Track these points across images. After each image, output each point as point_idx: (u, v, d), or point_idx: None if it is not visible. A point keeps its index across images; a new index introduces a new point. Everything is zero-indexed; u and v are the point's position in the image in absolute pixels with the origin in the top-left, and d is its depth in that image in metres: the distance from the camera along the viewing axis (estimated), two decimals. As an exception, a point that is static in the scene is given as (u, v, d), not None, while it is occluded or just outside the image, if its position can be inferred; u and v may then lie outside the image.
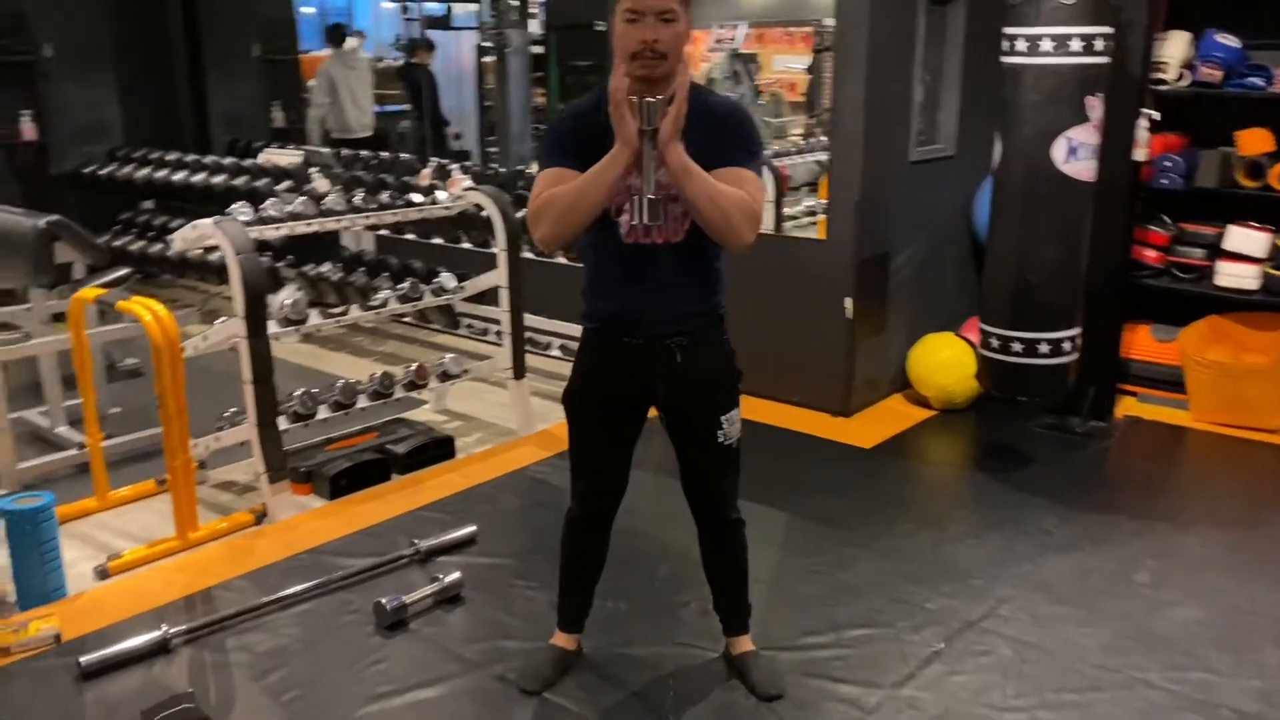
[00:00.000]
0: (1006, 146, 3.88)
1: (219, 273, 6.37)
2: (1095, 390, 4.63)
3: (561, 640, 2.86)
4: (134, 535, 3.73)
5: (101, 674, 2.82)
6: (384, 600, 3.07)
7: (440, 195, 4.56)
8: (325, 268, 5.89)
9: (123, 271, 5.41)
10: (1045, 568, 3.41)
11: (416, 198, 4.45)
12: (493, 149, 10.20)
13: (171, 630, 2.95)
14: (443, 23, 10.87)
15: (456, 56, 11.05)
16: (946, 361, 4.76)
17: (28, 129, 7.09)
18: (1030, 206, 3.85)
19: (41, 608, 3.15)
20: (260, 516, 3.82)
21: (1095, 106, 3.79)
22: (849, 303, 4.65)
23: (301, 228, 4.01)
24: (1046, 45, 3.70)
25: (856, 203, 4.55)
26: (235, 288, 3.64)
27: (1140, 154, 4.47)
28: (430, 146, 9.83)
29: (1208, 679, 2.81)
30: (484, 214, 4.50)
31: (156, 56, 7.72)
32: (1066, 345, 3.97)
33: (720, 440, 2.58)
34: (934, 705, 2.70)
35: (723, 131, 2.39)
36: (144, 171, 6.95)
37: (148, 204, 7.15)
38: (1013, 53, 3.81)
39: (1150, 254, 4.82)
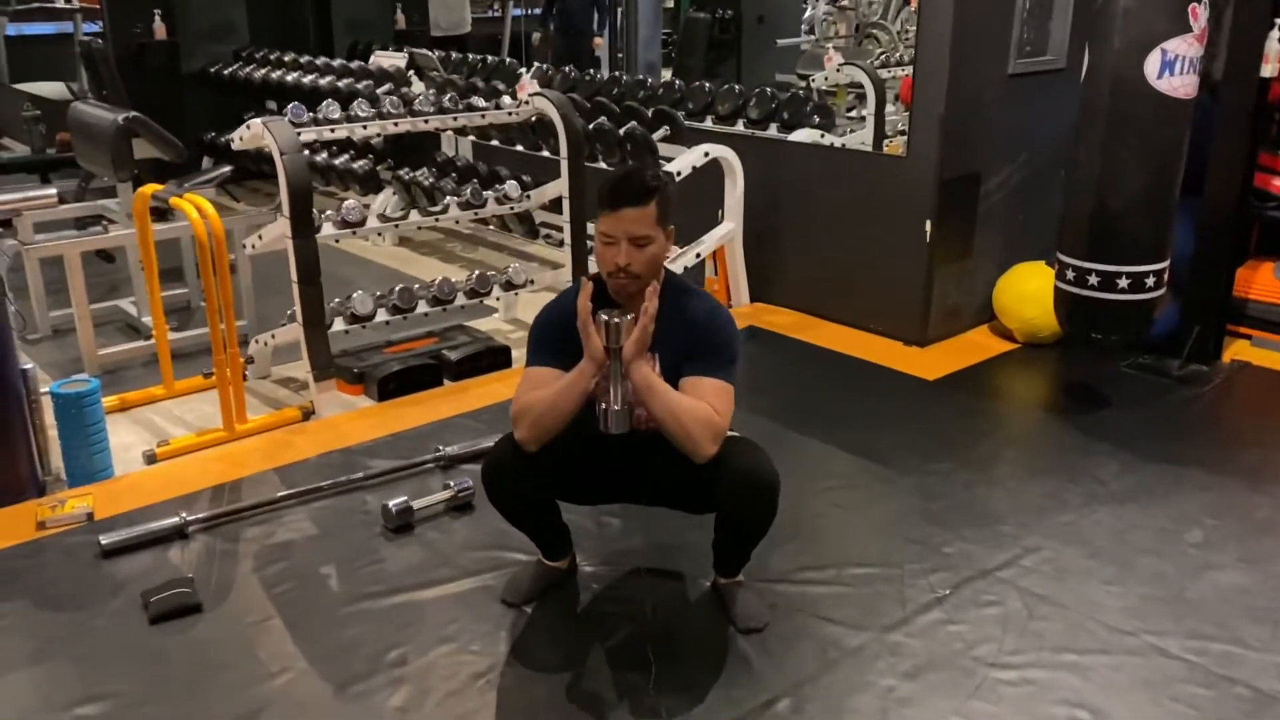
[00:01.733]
0: (1092, 60, 3.53)
1: (322, 172, 6.54)
2: (1199, 330, 4.25)
3: (547, 560, 2.85)
4: (190, 424, 3.91)
5: (119, 553, 2.97)
6: (391, 503, 3.12)
7: (505, 101, 4.49)
8: (420, 172, 5.95)
9: (224, 169, 5.61)
10: (1087, 519, 3.18)
11: (478, 101, 4.39)
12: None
13: (190, 517, 3.09)
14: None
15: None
16: (1033, 292, 4.44)
17: (159, 28, 7.36)
18: (1115, 126, 3.50)
19: (83, 487, 3.34)
20: (308, 414, 3.93)
21: (1198, 14, 3.38)
22: (928, 225, 4.39)
23: (344, 130, 4.02)
24: (1143, -58, 3.31)
25: (940, 117, 4.25)
26: (281, 187, 3.70)
27: (1270, 70, 4.00)
28: (557, 54, 9.74)
29: (1232, 651, 2.56)
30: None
31: (282, -43, 7.87)
32: (1150, 280, 3.63)
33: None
34: (918, 653, 2.56)
35: (697, 340, 2.44)
36: (262, 72, 7.14)
37: (271, 104, 7.36)
38: (1107, -47, 3.43)
39: (1278, 183, 4.34)
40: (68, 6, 9.45)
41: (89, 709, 2.38)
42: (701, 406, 2.35)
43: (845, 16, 9.35)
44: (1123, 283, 3.61)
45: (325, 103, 4.42)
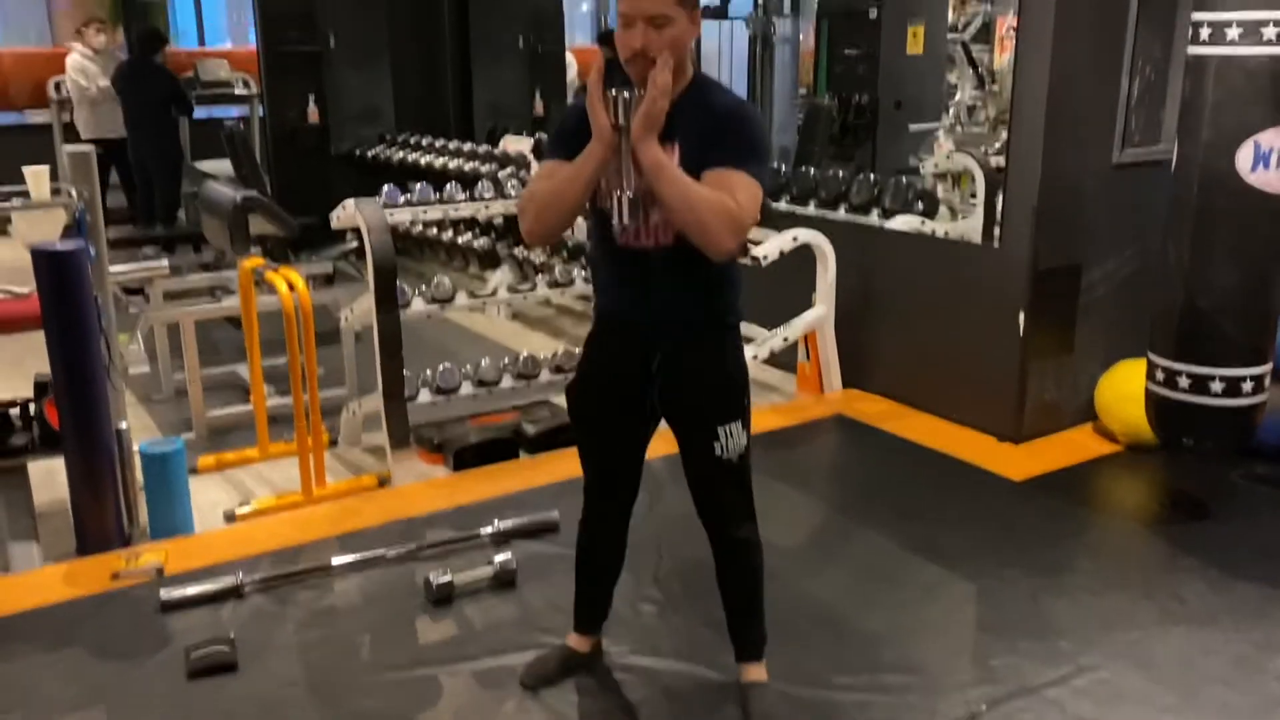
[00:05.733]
0: (1181, 152, 3.36)
1: (447, 249, 6.83)
2: (1325, 440, 3.92)
3: (574, 640, 2.83)
4: (276, 486, 4.10)
5: (177, 608, 3.12)
6: (432, 576, 3.18)
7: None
8: (534, 251, 6.15)
9: (349, 245, 5.93)
10: (1157, 640, 2.95)
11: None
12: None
13: (246, 578, 3.22)
14: (719, 12, 10.90)
15: (730, 46, 11.06)
16: (1136, 392, 4.18)
17: (312, 112, 7.91)
18: (1204, 222, 3.32)
19: (161, 541, 3.54)
20: (384, 481, 4.06)
21: (1297, 105, 3.19)
22: (1021, 317, 4.23)
23: (421, 214, 4.20)
24: (1233, 33, 3.15)
25: (1033, 207, 4.11)
26: (368, 264, 3.88)
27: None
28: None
29: (1292, 803, 2.32)
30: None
31: (427, 46, 8.34)
32: (1248, 384, 3.39)
33: (718, 454, 2.44)
34: (935, 773, 2.42)
35: (720, 131, 2.26)
36: (401, 154, 7.55)
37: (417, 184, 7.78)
38: (1197, 41, 3.28)
39: None
40: (247, 92, 10.24)
41: (106, 757, 2.50)
42: (719, 194, 2.17)
43: (995, 100, 9.22)
44: (1216, 386, 3.38)
45: (450, 183, 4.66)
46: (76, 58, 8.34)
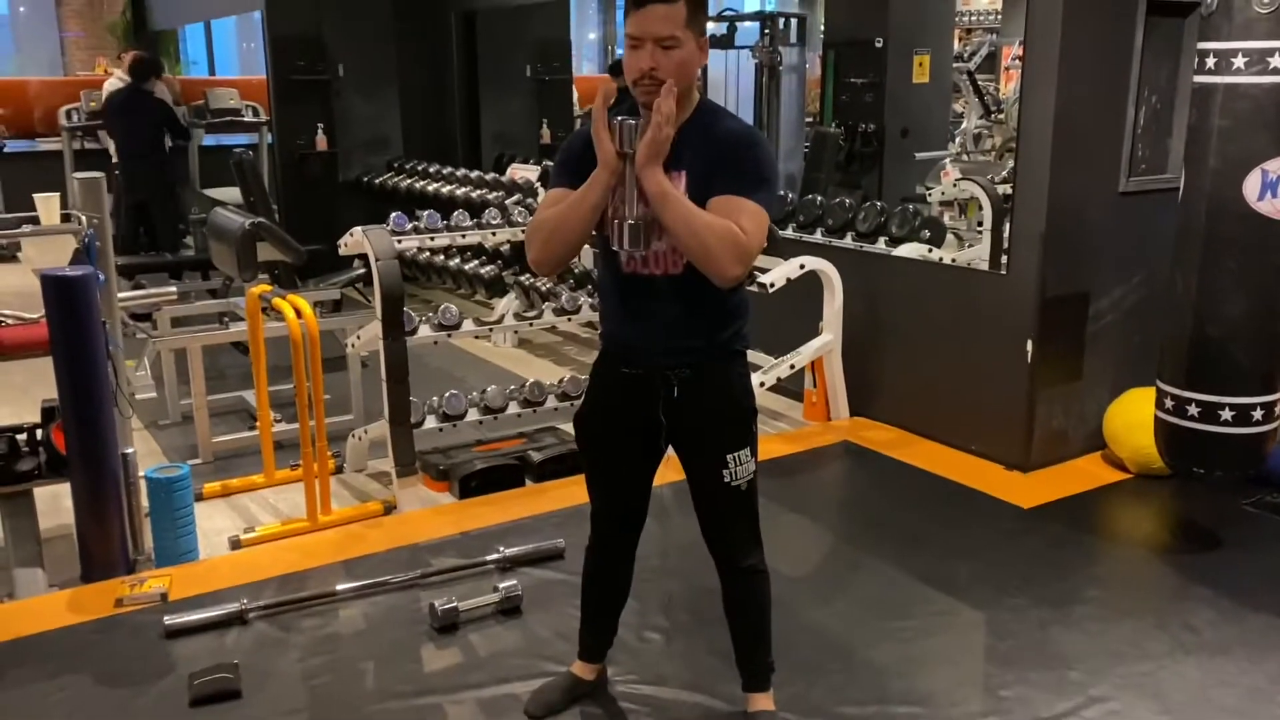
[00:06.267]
0: (1188, 180, 3.36)
1: (454, 276, 6.85)
2: (1338, 469, 3.90)
3: (578, 668, 2.81)
4: (281, 512, 4.09)
5: (181, 635, 3.11)
6: (438, 603, 3.16)
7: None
8: (541, 278, 6.17)
9: (356, 271, 5.95)
10: (1169, 670, 2.92)
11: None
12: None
13: (250, 604, 3.21)
14: (726, 41, 10.96)
15: (737, 76, 11.10)
16: (1146, 420, 4.16)
17: (321, 140, 7.95)
18: (1212, 250, 3.31)
19: (166, 568, 3.52)
20: (389, 508, 4.05)
21: (1305, 133, 3.19)
22: (1029, 345, 4.22)
23: (429, 241, 4.21)
24: (1239, 62, 3.16)
25: (1040, 234, 4.11)
26: (375, 291, 3.89)
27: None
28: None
29: (1308, 837, 2.28)
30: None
31: (435, 75, 8.40)
32: (1258, 413, 3.37)
33: (726, 480, 2.43)
34: (945, 806, 2.39)
35: (727, 158, 2.26)
36: (409, 181, 7.58)
37: (425, 212, 7.81)
38: (1203, 70, 3.29)
39: None
40: (256, 120, 10.32)
41: (108, 786, 2.48)
42: (724, 222, 2.16)
43: (1002, 129, 9.26)
44: (1226, 414, 3.36)
45: (457, 211, 4.67)
46: (115, 82, 8.67)
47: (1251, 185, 3.22)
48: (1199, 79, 3.32)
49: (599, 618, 2.77)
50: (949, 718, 2.71)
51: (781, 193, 6.03)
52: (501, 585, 3.26)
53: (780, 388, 4.95)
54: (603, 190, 2.23)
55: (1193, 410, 3.42)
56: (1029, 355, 4.23)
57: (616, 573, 2.71)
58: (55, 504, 3.81)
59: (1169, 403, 3.50)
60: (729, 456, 2.42)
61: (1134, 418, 4.23)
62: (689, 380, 2.40)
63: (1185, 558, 3.63)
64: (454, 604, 3.16)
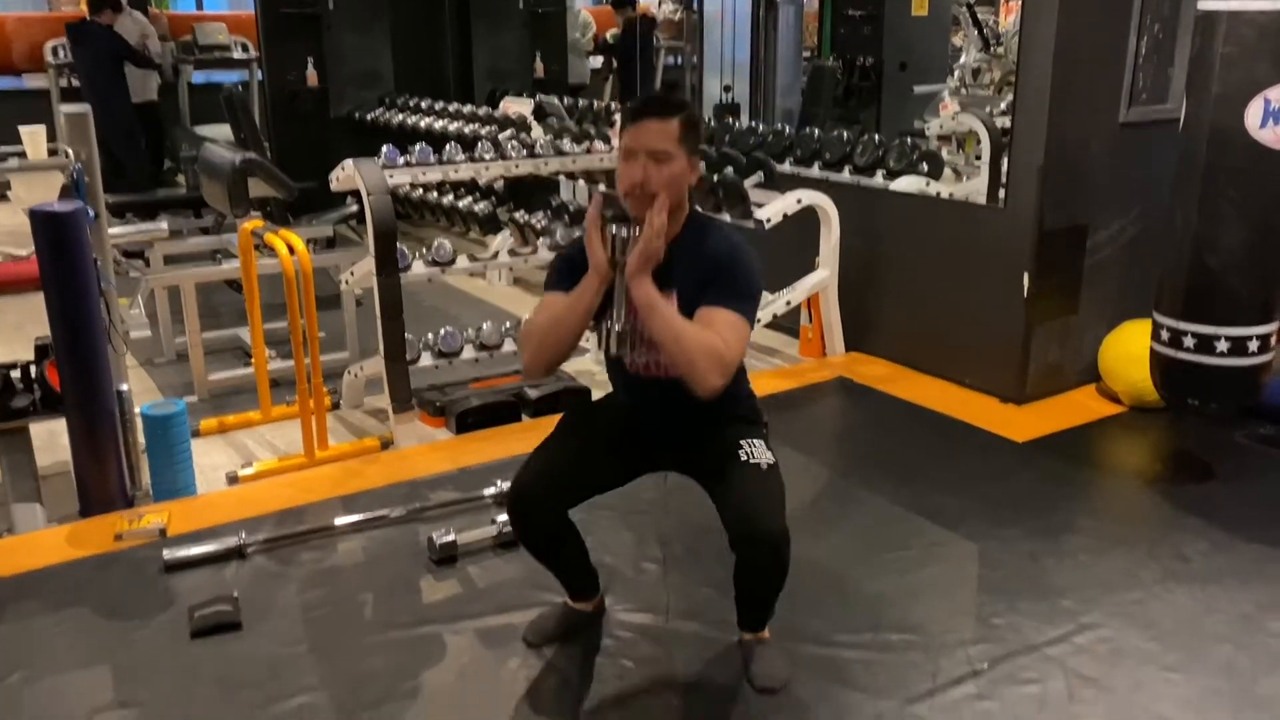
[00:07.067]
0: (1189, 109, 3.32)
1: (448, 213, 6.79)
2: (1330, 401, 3.91)
3: (574, 602, 2.84)
4: (278, 449, 4.10)
5: (180, 569, 3.13)
6: (435, 535, 3.18)
7: (598, 146, 4.57)
8: (536, 215, 6.11)
9: (350, 208, 5.90)
10: (1159, 599, 2.95)
11: (567, 146, 4.48)
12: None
13: (248, 538, 3.23)
14: (722, -28, 10.75)
15: (734, 9, 10.92)
16: (1140, 353, 4.16)
17: (311, 76, 7.84)
18: (1213, 179, 3.28)
19: (164, 503, 3.54)
20: (386, 444, 4.06)
21: (1308, 61, 3.15)
22: (1026, 278, 4.20)
23: (421, 175, 4.16)
24: (1243, -14, 3.11)
25: (1039, 167, 4.07)
26: (368, 226, 3.86)
27: None
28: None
29: (1294, 758, 2.33)
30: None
31: (427, 8, 8.25)
32: (1254, 344, 3.37)
33: (744, 459, 2.42)
34: (937, 729, 2.43)
35: (713, 272, 2.35)
36: (401, 117, 7.49)
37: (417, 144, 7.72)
38: (1206, -4, 3.24)
39: None
40: (245, 56, 10.16)
41: (109, 715, 2.50)
42: (707, 334, 2.24)
43: (1001, 63, 9.13)
44: (1221, 346, 3.36)
45: (449, 145, 4.61)
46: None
47: (1253, 113, 3.18)
48: (1202, 5, 3.27)
49: (564, 574, 2.76)
50: (942, 645, 2.74)
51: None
52: (499, 519, 3.27)
53: (776, 324, 4.94)
54: (594, 296, 2.29)
55: (1189, 342, 3.42)
56: (1025, 289, 4.22)
57: (558, 535, 2.62)
58: (52, 441, 3.82)
59: (1165, 334, 3.50)
60: (742, 441, 2.46)
61: (1129, 350, 4.24)
62: (698, 442, 2.52)
63: (1178, 489, 3.66)
64: (452, 537, 3.18)
